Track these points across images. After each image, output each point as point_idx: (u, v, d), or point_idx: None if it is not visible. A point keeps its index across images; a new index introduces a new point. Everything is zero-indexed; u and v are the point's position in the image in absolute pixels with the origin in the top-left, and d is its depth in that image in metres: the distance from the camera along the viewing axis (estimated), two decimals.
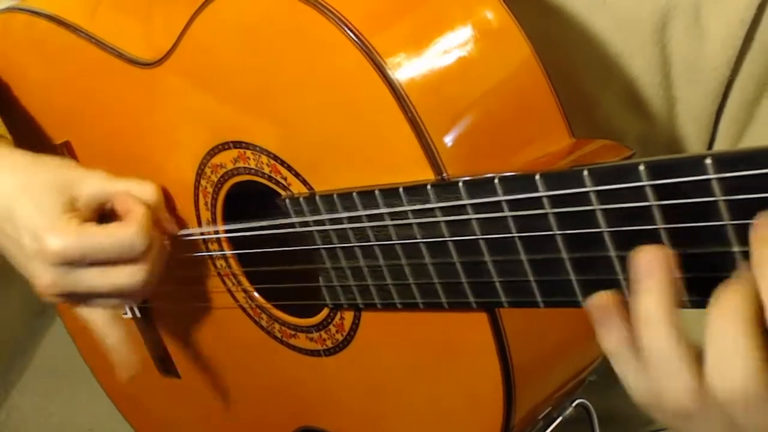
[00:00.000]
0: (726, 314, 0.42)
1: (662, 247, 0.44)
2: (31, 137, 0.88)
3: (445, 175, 0.56)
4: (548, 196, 0.49)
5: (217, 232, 0.76)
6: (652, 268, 0.44)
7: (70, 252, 0.71)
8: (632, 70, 0.70)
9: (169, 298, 0.85)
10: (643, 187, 0.44)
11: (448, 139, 0.56)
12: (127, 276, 0.72)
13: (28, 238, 0.72)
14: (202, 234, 0.77)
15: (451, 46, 0.58)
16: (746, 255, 0.42)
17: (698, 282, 0.44)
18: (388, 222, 0.58)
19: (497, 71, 0.59)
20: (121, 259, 0.72)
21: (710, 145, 0.73)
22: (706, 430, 0.45)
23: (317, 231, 0.64)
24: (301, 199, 0.64)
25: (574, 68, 0.71)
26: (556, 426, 0.70)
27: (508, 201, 0.51)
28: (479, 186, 0.52)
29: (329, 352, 0.71)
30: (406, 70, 0.56)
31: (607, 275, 0.48)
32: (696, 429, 0.46)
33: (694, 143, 0.72)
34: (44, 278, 0.72)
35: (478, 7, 0.60)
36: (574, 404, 0.71)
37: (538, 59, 0.59)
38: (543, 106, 0.60)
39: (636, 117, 0.72)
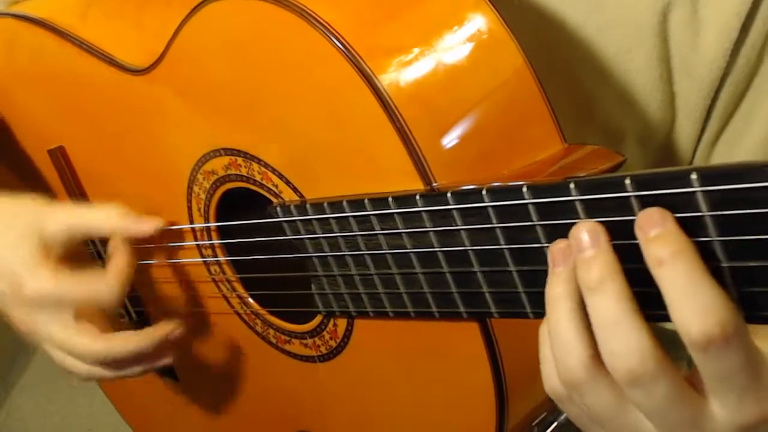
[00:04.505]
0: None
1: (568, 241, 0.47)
2: (23, 141, 0.88)
3: (434, 184, 0.55)
4: (536, 208, 0.48)
5: (210, 238, 0.76)
6: (557, 257, 0.47)
7: (45, 298, 0.74)
8: (633, 66, 0.69)
9: (166, 303, 0.85)
10: (628, 199, 0.44)
11: (437, 149, 0.56)
12: (86, 339, 0.75)
13: (5, 283, 0.75)
14: (195, 239, 0.77)
15: (441, 56, 0.58)
16: (734, 270, 0.42)
17: None
18: (378, 231, 0.58)
19: (487, 80, 0.58)
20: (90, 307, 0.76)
21: (699, 141, 0.73)
22: (595, 403, 0.47)
23: (308, 239, 0.63)
24: (292, 206, 0.63)
25: (572, 68, 0.70)
26: (552, 431, 0.70)
27: (496, 212, 0.51)
28: (467, 197, 0.52)
29: (323, 358, 0.71)
30: (394, 79, 0.56)
31: None
32: (587, 403, 0.48)
33: (689, 140, 0.72)
34: (16, 317, 0.76)
35: (469, 15, 0.59)
36: None
37: (531, 67, 0.59)
38: (535, 115, 0.59)
39: (636, 114, 0.71)
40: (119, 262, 0.75)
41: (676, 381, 0.44)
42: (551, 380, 0.49)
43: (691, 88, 0.70)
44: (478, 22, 0.59)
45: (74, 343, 0.75)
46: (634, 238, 0.44)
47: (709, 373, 0.43)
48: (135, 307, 0.89)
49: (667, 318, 0.43)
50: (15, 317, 0.76)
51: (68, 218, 0.77)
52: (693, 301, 0.41)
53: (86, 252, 0.88)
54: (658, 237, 0.42)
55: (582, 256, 0.46)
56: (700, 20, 0.67)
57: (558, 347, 0.48)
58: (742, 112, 0.70)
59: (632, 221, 0.44)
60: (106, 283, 0.74)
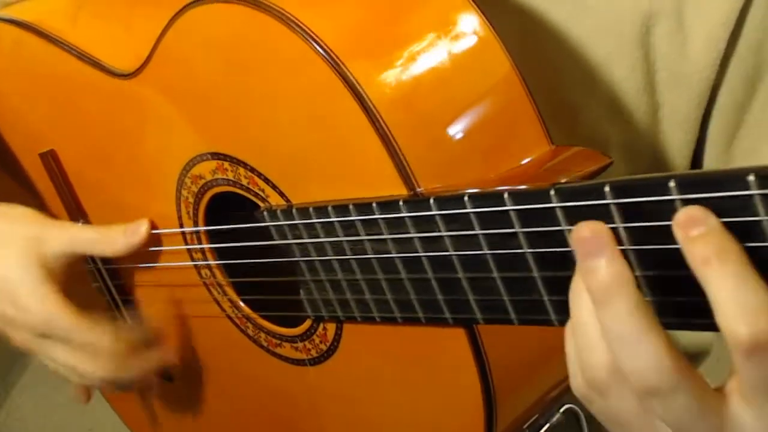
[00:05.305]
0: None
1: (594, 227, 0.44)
2: (14, 145, 0.88)
3: (418, 190, 0.55)
4: (517, 215, 0.48)
5: (200, 242, 0.75)
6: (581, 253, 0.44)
7: (44, 327, 0.76)
8: (615, 76, 0.69)
9: (160, 306, 0.85)
10: (608, 206, 0.43)
11: (422, 154, 0.55)
12: (89, 366, 0.77)
13: (9, 305, 0.76)
14: (186, 243, 0.76)
15: (426, 60, 0.57)
16: None
17: (664, 305, 0.43)
18: (363, 236, 0.58)
19: (474, 84, 0.58)
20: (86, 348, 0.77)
21: (698, 151, 0.72)
22: (618, 407, 0.45)
23: (295, 244, 0.63)
24: (278, 211, 0.63)
25: (557, 77, 0.70)
26: None
27: (478, 218, 0.50)
28: (449, 203, 0.51)
29: (314, 361, 0.71)
30: (377, 83, 0.55)
31: None
32: (610, 406, 0.46)
33: (679, 149, 0.71)
34: (17, 338, 0.78)
35: (455, 19, 0.58)
36: (562, 410, 0.71)
37: (518, 72, 0.58)
38: (522, 118, 0.58)
39: (619, 124, 0.71)
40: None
41: (697, 392, 0.42)
42: (575, 379, 0.47)
43: (680, 98, 0.69)
44: (465, 25, 0.58)
45: (78, 367, 0.77)
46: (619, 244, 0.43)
47: (749, 380, 0.40)
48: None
49: (683, 326, 0.42)
50: (16, 338, 0.78)
51: (68, 241, 0.78)
52: (742, 302, 0.38)
53: (84, 268, 0.88)
54: (702, 236, 0.40)
55: (585, 264, 0.43)
56: (686, 31, 0.67)
57: (581, 346, 0.45)
58: (755, 118, 0.69)
59: (615, 228, 0.43)
60: (99, 334, 0.76)
